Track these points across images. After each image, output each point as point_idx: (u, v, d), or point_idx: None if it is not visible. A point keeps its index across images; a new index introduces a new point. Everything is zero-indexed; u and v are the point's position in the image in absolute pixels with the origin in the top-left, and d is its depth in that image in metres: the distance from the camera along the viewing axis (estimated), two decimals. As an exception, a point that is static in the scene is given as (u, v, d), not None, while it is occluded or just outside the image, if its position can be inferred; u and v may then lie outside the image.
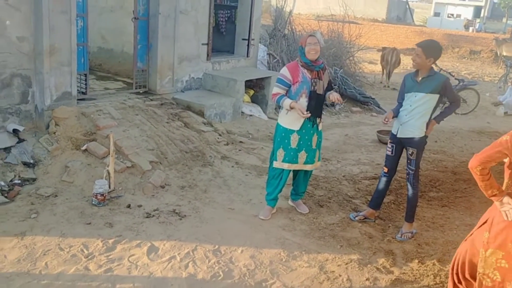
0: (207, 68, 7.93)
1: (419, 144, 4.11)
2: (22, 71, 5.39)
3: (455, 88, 10.66)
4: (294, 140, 4.35)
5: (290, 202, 4.82)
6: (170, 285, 3.33)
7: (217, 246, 3.93)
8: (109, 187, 4.63)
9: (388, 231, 4.41)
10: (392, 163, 4.37)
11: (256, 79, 8.36)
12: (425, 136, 4.13)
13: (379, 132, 7.66)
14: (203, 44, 7.68)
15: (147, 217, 4.31)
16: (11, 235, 3.80)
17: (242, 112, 7.78)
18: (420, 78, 4.05)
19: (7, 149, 4.99)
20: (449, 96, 4.17)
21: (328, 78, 4.41)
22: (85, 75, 6.15)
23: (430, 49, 4.00)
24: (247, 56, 8.92)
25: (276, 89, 4.33)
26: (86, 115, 5.67)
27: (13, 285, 3.18)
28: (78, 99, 5.94)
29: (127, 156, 5.21)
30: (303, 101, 4.26)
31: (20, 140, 5.17)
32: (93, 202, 4.42)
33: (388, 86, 13.13)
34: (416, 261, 3.91)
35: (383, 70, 13.56)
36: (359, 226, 4.46)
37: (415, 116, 4.07)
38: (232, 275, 3.54)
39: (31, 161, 4.93)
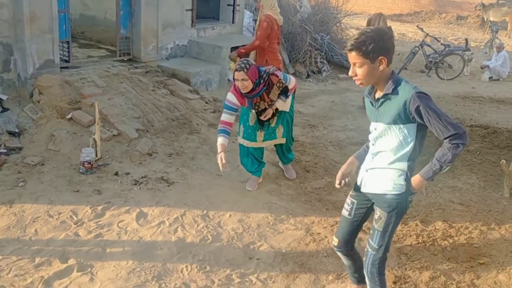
0: (192, 35, 7.81)
1: (392, 206, 2.44)
2: (3, 39, 5.28)
3: (441, 54, 10.68)
4: (252, 117, 4.35)
5: (280, 164, 4.88)
6: (160, 249, 3.40)
7: (205, 211, 3.99)
8: (96, 155, 4.63)
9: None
10: (347, 231, 2.71)
11: (242, 45, 8.25)
12: (407, 194, 2.45)
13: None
14: (187, 10, 7.54)
15: (135, 184, 4.34)
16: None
17: (228, 79, 7.72)
18: (377, 97, 2.40)
19: (-10, 119, 4.93)
20: (432, 123, 2.24)
21: (280, 88, 4.11)
22: (68, 42, 6.04)
23: (374, 42, 2.20)
24: (233, 22, 8.78)
25: (224, 116, 4.05)
26: (70, 84, 5.60)
27: (3, 251, 3.23)
28: (61, 67, 5.86)
29: (113, 124, 5.19)
30: (253, 114, 4.30)
31: (4, 109, 5.11)
32: (81, 170, 4.42)
33: (375, 53, 13.08)
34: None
35: (370, 36, 13.48)
36: (344, 190, 4.54)
37: (382, 160, 2.47)
38: (221, 238, 3.62)
39: (16, 130, 4.89)
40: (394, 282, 3.22)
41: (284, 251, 3.52)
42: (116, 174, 4.49)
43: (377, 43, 2.19)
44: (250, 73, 3.89)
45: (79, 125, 5.13)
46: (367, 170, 2.56)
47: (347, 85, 9.33)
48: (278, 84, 4.09)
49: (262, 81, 4.01)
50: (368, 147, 2.63)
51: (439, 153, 2.33)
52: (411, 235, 3.81)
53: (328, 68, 9.75)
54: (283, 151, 4.67)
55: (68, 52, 6.09)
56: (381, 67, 2.26)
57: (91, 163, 4.45)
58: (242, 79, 3.89)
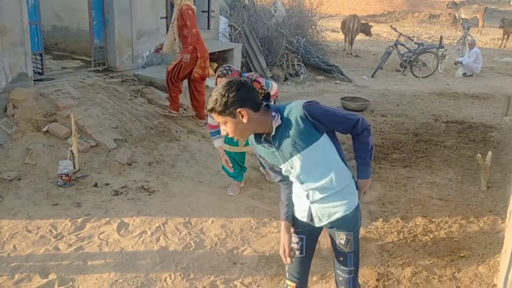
0: (168, 42, 7.76)
1: (355, 221, 2.31)
2: (-27, 53, 5.18)
3: (415, 53, 10.86)
4: None
5: (261, 169, 4.89)
6: (142, 259, 3.37)
7: (187, 219, 3.97)
8: (74, 167, 4.57)
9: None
10: (302, 271, 2.43)
11: (219, 52, 8.27)
12: (358, 201, 2.33)
13: (343, 99, 7.78)
14: (161, 17, 7.51)
15: (115, 194, 4.29)
16: (-25, 221, 3.73)
17: (206, 85, 7.71)
18: (271, 137, 2.15)
19: (-37, 135, 4.83)
20: (334, 123, 2.16)
21: (261, 95, 4.18)
22: (41, 54, 5.95)
23: (224, 97, 2.05)
24: (208, 28, 8.79)
25: (210, 120, 4.24)
26: (45, 96, 5.52)
27: (-19, 269, 3.15)
28: (35, 80, 5.76)
29: (91, 135, 5.13)
30: None
31: (-23, 125, 5.00)
32: (59, 183, 4.36)
33: (351, 54, 13.26)
34: (381, 219, 4.07)
35: (345, 38, 13.66)
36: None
37: (327, 186, 2.20)
38: (204, 245, 3.60)
39: (-10, 146, 4.79)
40: (377, 280, 3.25)
41: (268, 254, 3.52)
42: (95, 185, 4.43)
43: (228, 98, 2.03)
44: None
45: (55, 137, 5.05)
46: (312, 203, 2.25)
47: (325, 87, 9.42)
48: (260, 91, 4.10)
49: None
50: (288, 197, 2.35)
51: (358, 147, 2.25)
52: (392, 232, 3.86)
53: (305, 71, 9.82)
54: None
55: (42, 64, 6.00)
56: (244, 119, 2.05)
57: (69, 175, 4.38)
58: None
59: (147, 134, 5.59)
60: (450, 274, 3.31)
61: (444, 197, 4.50)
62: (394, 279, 3.26)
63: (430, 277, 3.28)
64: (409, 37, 12.23)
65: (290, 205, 2.35)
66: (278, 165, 2.22)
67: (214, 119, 2.19)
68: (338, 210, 2.24)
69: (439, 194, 4.56)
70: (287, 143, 2.11)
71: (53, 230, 3.67)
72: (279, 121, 2.11)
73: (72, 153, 4.60)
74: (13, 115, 5.21)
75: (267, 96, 4.22)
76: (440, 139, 6.12)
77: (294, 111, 2.10)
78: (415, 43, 11.52)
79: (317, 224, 2.30)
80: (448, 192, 4.62)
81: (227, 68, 3.97)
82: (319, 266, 3.38)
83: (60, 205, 4.05)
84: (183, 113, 6.43)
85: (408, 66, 10.90)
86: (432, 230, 3.90)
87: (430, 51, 11.13)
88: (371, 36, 14.49)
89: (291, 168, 2.18)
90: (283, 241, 2.30)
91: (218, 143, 4.26)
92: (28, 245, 3.46)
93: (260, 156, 2.29)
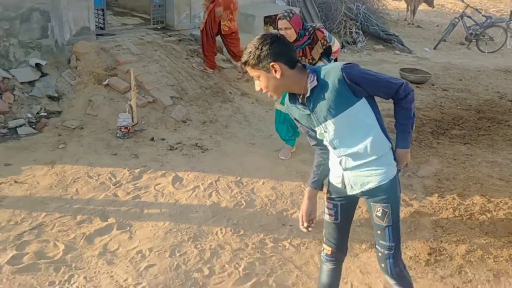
0: (226, 3, 7.70)
1: (392, 192, 2.16)
2: (40, 6, 5.35)
3: (483, 26, 10.25)
4: None
5: None
6: (195, 212, 3.47)
7: (239, 178, 4.02)
8: (132, 120, 4.71)
9: (408, 167, 4.42)
10: (339, 237, 2.36)
11: (275, 15, 8.13)
12: (397, 172, 2.19)
13: (402, 70, 7.50)
14: (221, -23, 7.43)
15: (170, 149, 4.41)
16: (42, 164, 3.97)
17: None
18: (305, 99, 2.06)
19: (31, 83, 5.08)
20: (374, 86, 2.05)
21: (323, 46, 3.92)
22: (102, 10, 6.09)
23: (258, 50, 1.97)
24: (266, -9, 8.64)
25: None
26: (106, 50, 5.66)
27: (47, 208, 3.37)
28: (96, 35, 5.92)
29: (148, 91, 5.25)
30: None
31: (43, 74, 5.23)
32: (118, 135, 4.51)
33: (413, 24, 12.68)
34: (436, 195, 3.95)
35: (407, 7, 13.06)
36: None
37: (362, 153, 2.08)
38: (254, 204, 3.65)
39: (56, 95, 5.01)
40: (429, 254, 3.18)
41: (317, 219, 3.51)
42: (152, 139, 4.56)
43: (261, 51, 1.96)
44: (293, 22, 3.80)
45: (115, 91, 5.21)
46: (345, 170, 2.15)
47: (383, 56, 9.11)
48: (322, 41, 3.94)
49: (307, 33, 3.92)
50: (319, 163, 2.28)
51: (399, 114, 2.13)
52: (447, 209, 3.75)
53: (363, 39, 9.52)
54: None
55: (103, 19, 6.15)
56: (277, 74, 1.97)
57: (128, 128, 4.53)
58: (285, 28, 3.79)
59: (202, 94, 5.65)
60: (507, 255, 3.19)
61: (505, 178, 4.30)
62: (447, 255, 3.18)
63: (485, 256, 3.18)
64: (476, 9, 11.53)
65: (319, 172, 2.29)
66: (311, 127, 2.13)
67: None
68: (371, 180, 2.13)
69: (500, 174, 4.36)
70: (321, 106, 2.02)
71: (112, 178, 3.83)
72: (315, 82, 2.01)
73: (131, 107, 4.73)
74: (76, 67, 5.40)
75: (328, 51, 4.07)
76: (504, 118, 5.81)
77: (332, 73, 1.99)
78: (483, 16, 10.85)
79: (349, 192, 2.21)
80: (509, 173, 4.40)
81: (288, 10, 3.85)
82: (368, 235, 3.35)
83: (119, 155, 4.21)
84: (238, 74, 6.42)
85: (473, 40, 10.32)
86: (490, 210, 3.75)
87: (499, 25, 10.46)
88: (433, 7, 13.76)
89: (325, 132, 2.09)
90: (302, 207, 2.26)
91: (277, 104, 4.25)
92: (89, 190, 3.64)
93: (295, 119, 2.20)
